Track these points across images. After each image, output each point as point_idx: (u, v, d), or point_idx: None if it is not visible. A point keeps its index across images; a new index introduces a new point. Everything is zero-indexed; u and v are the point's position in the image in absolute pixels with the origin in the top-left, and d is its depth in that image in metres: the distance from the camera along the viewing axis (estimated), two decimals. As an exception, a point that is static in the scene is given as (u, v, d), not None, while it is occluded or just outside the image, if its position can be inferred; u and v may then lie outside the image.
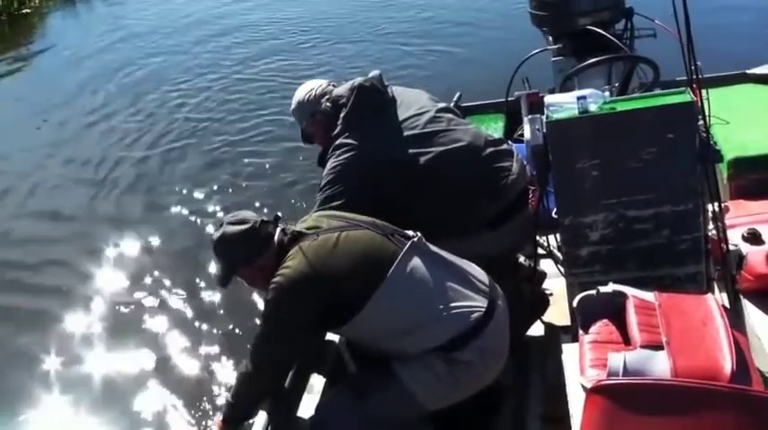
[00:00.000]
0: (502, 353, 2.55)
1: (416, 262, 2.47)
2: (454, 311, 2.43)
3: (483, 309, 2.46)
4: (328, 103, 3.10)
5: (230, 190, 6.54)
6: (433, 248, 2.56)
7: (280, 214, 2.71)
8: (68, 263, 5.75)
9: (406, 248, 2.48)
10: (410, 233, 2.57)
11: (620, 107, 2.67)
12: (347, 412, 2.49)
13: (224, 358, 4.52)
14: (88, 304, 5.22)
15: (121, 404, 4.28)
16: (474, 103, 4.90)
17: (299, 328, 2.50)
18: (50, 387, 4.54)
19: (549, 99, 2.80)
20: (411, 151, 2.91)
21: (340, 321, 2.48)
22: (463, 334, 2.41)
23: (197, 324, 4.85)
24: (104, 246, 5.88)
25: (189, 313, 4.99)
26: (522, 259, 3.18)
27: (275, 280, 2.46)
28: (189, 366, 4.51)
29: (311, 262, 2.43)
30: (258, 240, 2.56)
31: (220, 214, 5.85)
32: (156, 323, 4.92)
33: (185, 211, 6.26)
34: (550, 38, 4.36)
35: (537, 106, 3.62)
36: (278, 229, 2.59)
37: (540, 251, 3.29)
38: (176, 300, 5.13)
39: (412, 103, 3.08)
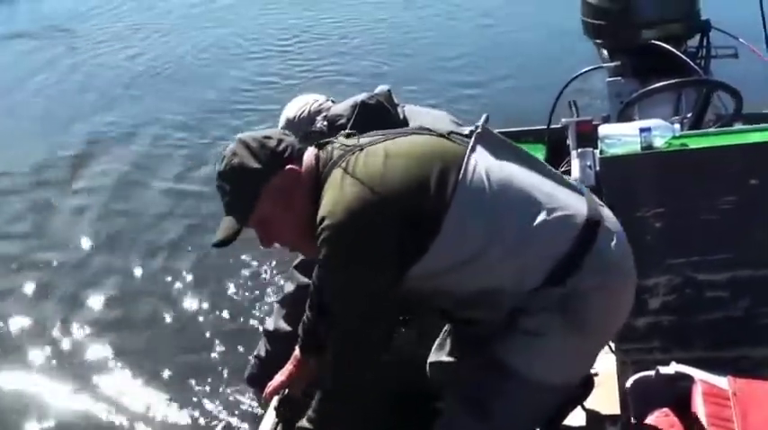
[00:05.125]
0: (628, 267, 2.32)
1: (489, 158, 2.28)
2: (558, 214, 2.22)
3: (585, 212, 2.25)
4: (325, 123, 3.13)
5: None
6: (503, 137, 2.37)
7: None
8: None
9: (471, 143, 2.28)
10: (467, 130, 2.38)
11: (693, 144, 2.67)
12: None
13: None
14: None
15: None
16: (506, 130, 4.82)
17: (387, 282, 2.20)
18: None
19: (603, 130, 2.81)
20: None
21: (411, 262, 2.21)
22: (575, 244, 2.20)
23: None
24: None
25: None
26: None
27: (326, 225, 2.16)
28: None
29: (368, 183, 2.18)
30: (275, 150, 2.32)
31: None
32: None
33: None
34: (606, 53, 4.38)
35: (588, 137, 3.67)
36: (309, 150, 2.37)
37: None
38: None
39: (428, 126, 3.05)
